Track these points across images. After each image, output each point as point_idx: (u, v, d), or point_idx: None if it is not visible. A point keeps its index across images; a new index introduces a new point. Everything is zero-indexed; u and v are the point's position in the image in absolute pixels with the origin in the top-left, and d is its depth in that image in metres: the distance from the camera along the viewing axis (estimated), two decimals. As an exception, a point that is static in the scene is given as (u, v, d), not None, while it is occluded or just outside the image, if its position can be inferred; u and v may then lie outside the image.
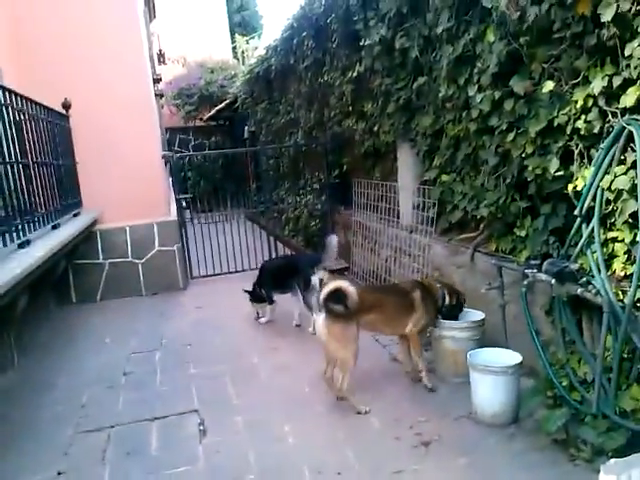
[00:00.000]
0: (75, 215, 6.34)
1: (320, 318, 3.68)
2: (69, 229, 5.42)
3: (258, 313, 5.76)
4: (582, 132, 3.18)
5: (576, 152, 3.29)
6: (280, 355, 4.77)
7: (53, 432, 3.71)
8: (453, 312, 4.05)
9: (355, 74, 6.22)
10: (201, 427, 3.63)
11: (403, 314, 3.91)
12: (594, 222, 3.10)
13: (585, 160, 3.26)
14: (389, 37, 5.19)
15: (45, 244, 4.46)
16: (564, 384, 3.20)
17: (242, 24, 22.75)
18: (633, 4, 2.76)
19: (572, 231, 3.31)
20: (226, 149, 14.73)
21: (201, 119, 16.87)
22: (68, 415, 3.94)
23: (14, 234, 4.04)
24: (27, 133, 4.94)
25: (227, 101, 14.71)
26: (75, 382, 4.51)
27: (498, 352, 3.61)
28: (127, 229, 7.02)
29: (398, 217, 6.03)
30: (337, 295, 3.57)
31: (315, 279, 4.88)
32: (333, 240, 5.47)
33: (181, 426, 3.67)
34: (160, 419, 3.78)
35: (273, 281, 5.62)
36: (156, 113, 9.04)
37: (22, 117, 4.81)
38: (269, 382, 4.27)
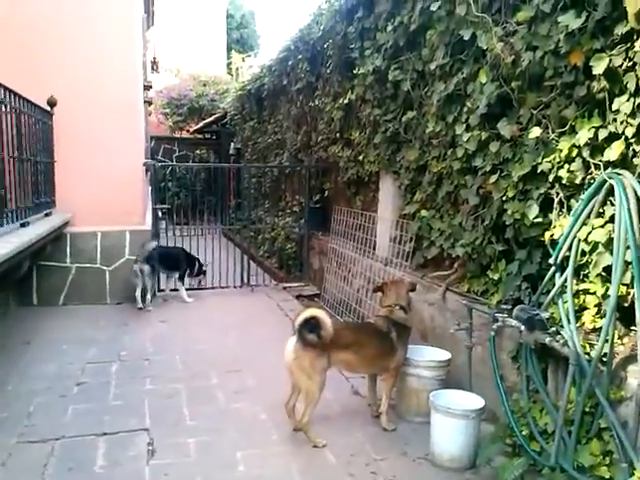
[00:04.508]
0: (47, 215, 6.19)
1: (290, 344, 3.55)
2: (38, 228, 5.26)
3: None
4: (564, 181, 3.17)
5: (556, 200, 3.28)
6: (241, 378, 4.63)
7: (-7, 440, 3.52)
8: None
9: (346, 101, 6.24)
10: (150, 447, 3.48)
11: (385, 356, 3.79)
12: (568, 272, 3.08)
13: (564, 209, 3.25)
14: (383, 68, 5.22)
15: (11, 241, 4.31)
16: (524, 433, 3.14)
17: (240, 41, 23.06)
18: (625, 60, 2.77)
19: (545, 279, 3.29)
20: (210, 163, 14.68)
21: (188, 131, 16.82)
22: (12, 423, 3.75)
23: (-22, 228, 3.90)
24: (6, 126, 4.80)
25: (216, 115, 14.71)
26: (25, 388, 4.32)
27: (461, 395, 3.56)
28: (99, 234, 6.84)
29: (374, 248, 5.99)
30: (312, 324, 3.44)
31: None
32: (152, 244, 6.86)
33: (130, 444, 3.51)
34: (109, 435, 3.62)
35: (159, 262, 6.96)
36: (143, 120, 8.96)
37: (2, 109, 4.68)
38: (226, 405, 4.13)
